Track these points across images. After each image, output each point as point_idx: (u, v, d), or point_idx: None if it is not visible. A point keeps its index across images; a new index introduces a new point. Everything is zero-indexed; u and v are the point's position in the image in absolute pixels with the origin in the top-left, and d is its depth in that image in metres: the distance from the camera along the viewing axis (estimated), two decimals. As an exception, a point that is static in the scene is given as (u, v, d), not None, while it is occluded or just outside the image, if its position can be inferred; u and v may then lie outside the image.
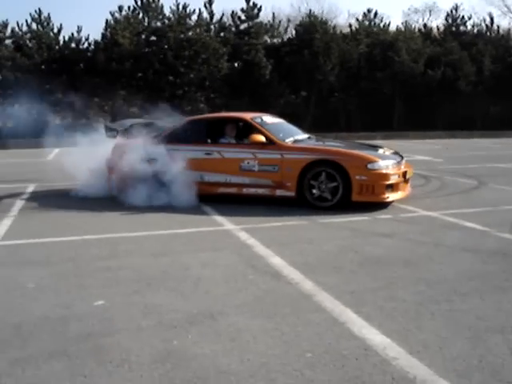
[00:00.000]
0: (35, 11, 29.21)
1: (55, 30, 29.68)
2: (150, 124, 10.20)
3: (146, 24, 30.22)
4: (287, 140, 8.98)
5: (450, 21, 37.22)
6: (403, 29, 35.73)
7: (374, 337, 3.77)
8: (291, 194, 8.56)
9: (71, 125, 11.10)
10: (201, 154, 9.05)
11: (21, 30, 28.80)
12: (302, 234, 6.92)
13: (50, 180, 11.57)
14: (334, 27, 33.46)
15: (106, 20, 29.56)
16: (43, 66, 27.98)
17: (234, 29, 31.88)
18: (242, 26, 31.92)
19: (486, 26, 36.94)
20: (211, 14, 31.62)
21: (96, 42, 29.43)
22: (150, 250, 6.23)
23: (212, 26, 31.49)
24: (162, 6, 30.61)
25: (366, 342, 3.69)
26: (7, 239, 6.80)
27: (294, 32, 33.28)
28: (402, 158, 9.09)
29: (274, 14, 33.63)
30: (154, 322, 4.08)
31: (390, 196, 8.38)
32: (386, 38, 33.14)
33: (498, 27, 37.21)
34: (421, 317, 4.13)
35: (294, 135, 9.46)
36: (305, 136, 9.74)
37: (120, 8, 29.98)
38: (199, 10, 31.09)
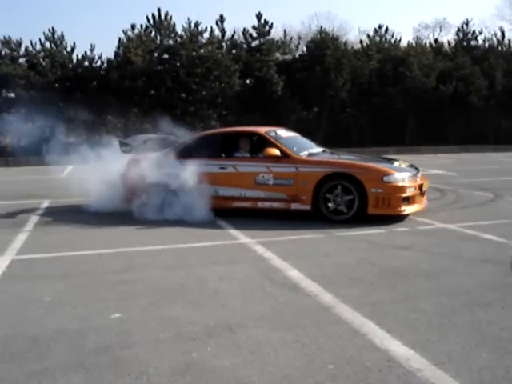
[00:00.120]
0: (49, 30, 29.43)
1: (68, 49, 29.85)
2: (163, 139, 10.19)
3: (158, 42, 30.34)
4: (302, 153, 8.94)
5: (461, 35, 37.14)
6: (414, 44, 35.68)
7: (397, 348, 3.70)
8: (306, 207, 8.50)
9: (84, 142, 11.08)
10: (215, 169, 9.02)
11: (34, 49, 29.01)
12: (318, 247, 6.86)
13: (63, 196, 11.56)
14: (345, 43, 33.48)
15: (119, 38, 29.72)
16: (57, 84, 28.11)
17: (245, 46, 31.95)
18: (254, 43, 31.98)
19: (498, 40, 36.83)
20: (223, 32, 31.73)
21: (109, 60, 29.57)
22: (166, 263, 6.19)
23: (224, 44, 31.57)
24: (174, 24, 30.75)
25: (389, 354, 3.61)
26: (23, 253, 6.78)
27: (305, 49, 33.33)
28: (418, 170, 9.02)
29: (285, 30, 33.71)
30: (171, 335, 4.02)
31: (407, 209, 8.30)
32: (397, 54, 33.10)
33: (510, 41, 37.04)
34: (443, 328, 4.05)
35: (309, 149, 9.42)
36: (319, 149, 9.69)
37: (132, 26, 30.14)
38: (211, 27, 31.21)
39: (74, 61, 29.71)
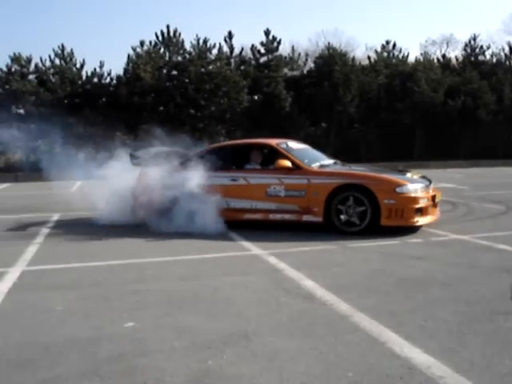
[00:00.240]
0: (58, 47, 29.62)
1: (78, 65, 30.00)
2: (174, 152, 10.15)
3: (167, 58, 30.46)
4: (313, 165, 8.89)
5: (468, 51, 37.16)
6: (422, 59, 35.70)
7: (417, 356, 3.61)
8: (318, 219, 8.42)
9: (94, 158, 11.08)
10: (226, 181, 8.97)
11: (44, 66, 29.17)
12: (332, 258, 6.78)
13: (73, 210, 11.52)
14: (353, 59, 33.52)
15: (128, 55, 29.87)
16: (66, 101, 28.24)
17: (253, 62, 32.04)
18: (262, 60, 32.07)
19: (505, 55, 36.78)
20: (231, 48, 31.85)
21: (118, 77, 29.70)
22: (178, 274, 6.12)
23: (232, 60, 31.67)
24: (183, 41, 30.89)
25: (410, 361, 3.52)
26: (33, 265, 6.73)
27: (312, 65, 33.38)
28: (430, 182, 8.95)
29: (293, 46, 33.80)
30: (186, 343, 3.94)
31: (420, 220, 8.21)
32: (405, 69, 33.12)
33: (517, 56, 37.07)
34: (464, 336, 3.96)
35: (320, 160, 9.37)
36: (331, 161, 9.63)
37: (141, 43, 30.28)
38: (219, 44, 31.33)
39: (84, 77, 29.86)
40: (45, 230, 9.40)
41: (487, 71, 34.73)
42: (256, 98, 31.11)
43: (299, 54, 33.70)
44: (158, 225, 8.77)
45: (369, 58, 35.43)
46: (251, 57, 32.25)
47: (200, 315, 4.58)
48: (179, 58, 30.50)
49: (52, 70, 29.20)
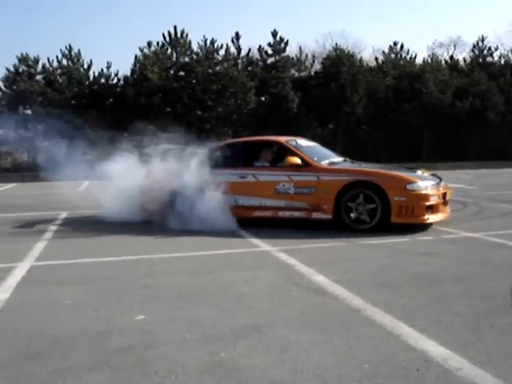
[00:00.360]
0: (66, 47, 29.66)
1: (85, 66, 30.04)
2: (182, 149, 10.10)
3: (174, 59, 30.45)
4: (323, 162, 8.82)
5: (476, 52, 37.02)
6: (430, 60, 35.59)
7: (433, 348, 3.55)
8: (328, 216, 8.36)
9: (101, 158, 11.04)
10: (235, 178, 8.92)
11: (51, 66, 29.22)
12: (342, 254, 6.72)
13: (81, 208, 11.48)
14: (361, 60, 33.45)
15: (135, 56, 29.88)
16: (73, 101, 28.29)
17: (261, 63, 31.99)
18: (269, 60, 32.03)
19: (514, 56, 36.70)
20: (238, 49, 31.82)
21: (125, 77, 29.73)
22: (188, 269, 6.07)
23: (239, 61, 31.64)
24: (190, 42, 30.87)
25: (426, 354, 3.46)
26: (42, 260, 6.70)
27: (320, 66, 33.32)
28: (441, 179, 8.86)
29: (300, 47, 33.71)
30: (198, 336, 3.89)
31: (430, 217, 8.13)
32: (412, 70, 33.01)
33: (526, 57, 36.92)
34: (479, 329, 3.89)
35: (330, 158, 9.31)
36: (340, 159, 9.57)
37: (149, 44, 30.28)
38: (226, 45, 31.29)
39: (91, 78, 29.91)
40: (53, 228, 9.38)
41: (495, 72, 34.60)
42: (263, 98, 31.06)
43: (306, 55, 33.66)
44: (166, 222, 8.72)
45: (376, 59, 35.34)
46: (258, 58, 32.21)
47: (211, 309, 4.53)
48: (186, 59, 30.50)
49: (59, 71, 29.25)
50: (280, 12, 74.54)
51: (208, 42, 30.78)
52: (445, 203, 8.61)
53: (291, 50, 33.35)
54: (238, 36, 31.75)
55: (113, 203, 9.91)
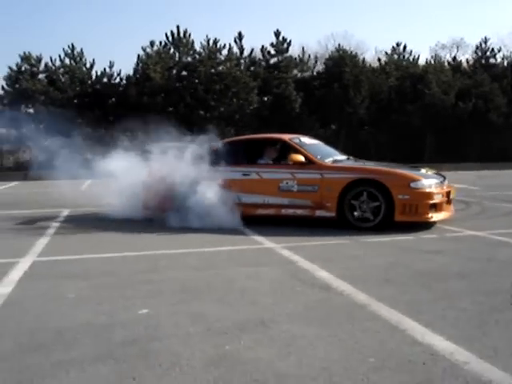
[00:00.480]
0: (68, 46, 29.69)
1: (88, 65, 30.07)
2: (184, 147, 10.07)
3: (177, 59, 30.46)
4: (327, 160, 8.79)
5: (479, 53, 36.99)
6: (433, 62, 35.56)
7: (439, 343, 3.52)
8: (331, 214, 8.33)
9: (103, 157, 11.01)
10: (238, 175, 8.89)
11: (54, 65, 29.24)
12: (346, 251, 6.69)
13: (83, 206, 11.49)
14: (364, 60, 33.43)
15: (138, 55, 29.89)
16: (76, 100, 28.31)
17: (263, 63, 32.00)
18: (272, 61, 32.04)
19: (517, 57, 36.67)
20: (241, 49, 31.81)
21: (128, 77, 29.74)
22: (192, 265, 6.05)
23: (242, 61, 31.64)
24: (193, 42, 30.88)
25: (432, 348, 3.44)
26: (44, 256, 6.68)
27: (322, 67, 33.30)
28: (445, 178, 8.83)
29: (303, 47, 33.68)
30: (202, 329, 3.87)
31: (434, 216, 8.09)
32: (415, 71, 33.01)
33: (529, 59, 36.88)
34: (485, 324, 3.86)
35: (333, 156, 9.27)
36: (343, 157, 9.54)
37: (151, 43, 30.30)
38: (229, 44, 31.31)
39: (93, 77, 29.94)
40: (55, 224, 9.36)
41: (498, 74, 34.59)
42: (266, 99, 31.04)
43: (309, 56, 33.64)
44: (169, 219, 8.69)
45: (379, 60, 35.33)
46: (261, 58, 32.22)
47: (215, 303, 4.50)
48: (189, 59, 30.50)
49: (62, 70, 29.29)
50: (282, 13, 74.61)
51: (211, 42, 30.79)
52: (448, 202, 8.58)
53: (294, 51, 33.38)
54: (240, 36, 31.76)
55: (115, 201, 9.91)
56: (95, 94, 28.66)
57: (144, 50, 30.16)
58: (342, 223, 8.26)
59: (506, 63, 36.57)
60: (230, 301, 4.57)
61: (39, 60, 29.03)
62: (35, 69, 28.87)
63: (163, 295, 4.78)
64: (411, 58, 35.31)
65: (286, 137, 9.34)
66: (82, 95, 28.61)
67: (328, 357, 3.34)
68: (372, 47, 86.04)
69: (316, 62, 34.30)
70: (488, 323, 3.89)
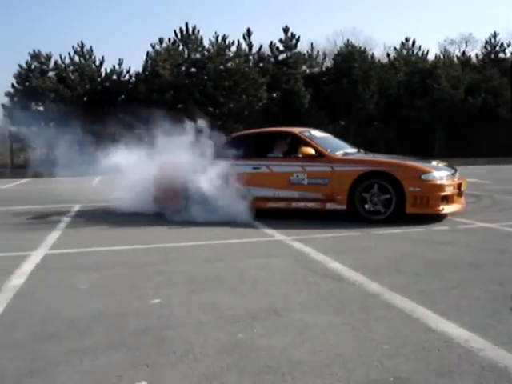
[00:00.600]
0: (78, 44, 29.82)
1: (97, 63, 30.19)
2: (196, 141, 10.06)
3: (186, 56, 30.50)
4: (337, 153, 8.76)
5: (488, 48, 36.82)
6: (442, 57, 35.43)
7: (454, 330, 3.50)
8: (342, 207, 8.30)
9: (112, 153, 11.01)
10: (249, 169, 8.87)
11: (64, 63, 29.35)
12: (357, 243, 6.67)
13: (94, 201, 11.54)
14: (373, 56, 33.34)
15: (147, 52, 29.96)
16: (85, 98, 28.39)
17: (272, 59, 31.99)
18: (281, 57, 32.04)
19: (526, 52, 36.47)
20: (250, 45, 31.82)
21: (137, 74, 29.80)
22: (202, 256, 6.05)
23: (251, 57, 31.65)
24: (202, 38, 30.93)
25: (446, 335, 3.41)
26: (56, 249, 6.70)
27: (331, 63, 33.24)
28: (456, 170, 8.79)
29: (312, 43, 33.66)
30: (214, 318, 3.86)
31: (445, 208, 8.05)
32: (424, 66, 32.91)
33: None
34: (499, 312, 3.83)
35: (343, 149, 9.24)
36: (354, 150, 9.50)
37: (160, 40, 30.36)
38: (238, 41, 31.33)
39: (103, 74, 30.01)
40: (66, 219, 9.39)
41: (508, 68, 34.35)
42: (275, 95, 31.02)
43: (318, 52, 33.58)
44: (179, 213, 8.70)
45: (388, 55, 35.23)
46: (270, 54, 32.22)
47: (226, 293, 4.49)
48: (198, 55, 30.54)
49: (71, 67, 29.40)
50: (291, 10, 74.40)
51: (219, 39, 30.83)
52: (460, 194, 8.53)
53: (302, 47, 33.34)
54: (249, 32, 31.78)
55: (126, 195, 9.93)
56: (105, 91, 28.74)
57: (153, 47, 30.24)
58: (352, 216, 8.23)
59: (515, 58, 36.38)
60: (241, 291, 4.56)
61: (49, 58, 29.14)
62: (45, 67, 28.99)
63: (175, 286, 4.78)
64: (420, 54, 35.20)
65: (296, 130, 9.31)
66: (91, 93, 28.70)
67: (342, 344, 3.33)
68: (380, 43, 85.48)
69: (325, 58, 34.26)
70: (502, 311, 3.86)
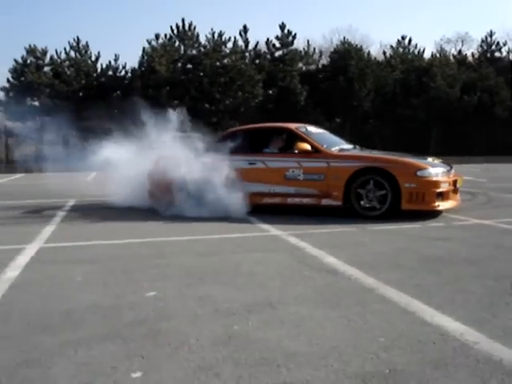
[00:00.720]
0: (73, 39, 29.74)
1: (93, 58, 30.12)
2: (190, 137, 10.05)
3: (182, 52, 30.45)
4: (333, 149, 8.76)
5: (484, 47, 36.88)
6: (438, 55, 35.47)
7: (449, 324, 3.50)
8: (338, 203, 8.30)
9: (108, 149, 10.98)
10: (244, 164, 8.85)
11: (59, 58, 29.28)
12: (353, 238, 6.67)
13: (89, 196, 11.53)
14: (369, 53, 33.35)
15: (143, 48, 29.90)
16: (81, 93, 28.32)
17: (268, 56, 31.97)
18: (277, 54, 32.03)
19: (522, 51, 36.52)
20: (246, 42, 31.80)
21: (133, 70, 29.74)
22: (198, 250, 6.03)
23: (247, 54, 31.63)
24: (198, 34, 30.89)
25: (442, 329, 3.42)
26: (51, 242, 6.68)
27: (327, 61, 33.23)
28: (451, 167, 8.80)
29: (308, 41, 33.64)
30: (210, 310, 3.85)
31: (441, 205, 8.06)
32: (420, 64, 32.95)
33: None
34: (495, 307, 3.84)
35: (339, 144, 9.25)
36: (350, 146, 9.50)
37: (157, 36, 30.31)
38: (234, 37, 31.31)
39: (99, 70, 29.94)
40: (61, 213, 9.37)
41: (503, 67, 34.49)
42: (271, 92, 31.00)
43: (314, 49, 33.56)
44: (174, 209, 8.68)
45: (384, 53, 35.26)
46: (266, 51, 32.18)
47: (222, 286, 4.49)
48: (194, 52, 30.50)
49: (67, 63, 29.34)
50: (287, 6, 74.49)
51: (216, 35, 30.80)
52: (455, 191, 8.55)
53: (298, 44, 33.33)
54: (245, 29, 31.76)
55: (121, 190, 9.91)
56: (100, 86, 28.66)
57: (149, 42, 30.19)
58: (348, 212, 8.23)
59: (511, 57, 36.43)
60: (237, 284, 4.56)
61: (45, 53, 29.07)
62: (40, 61, 28.93)
63: (170, 279, 4.77)
64: (416, 52, 35.22)
65: (292, 126, 9.30)
66: (87, 88, 28.62)
67: (337, 337, 3.33)
68: (376, 42, 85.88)
69: (321, 56, 34.23)
70: (498, 306, 3.87)
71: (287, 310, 3.83)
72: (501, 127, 32.03)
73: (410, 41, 35.06)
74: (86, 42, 29.95)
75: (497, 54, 36.71)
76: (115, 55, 30.07)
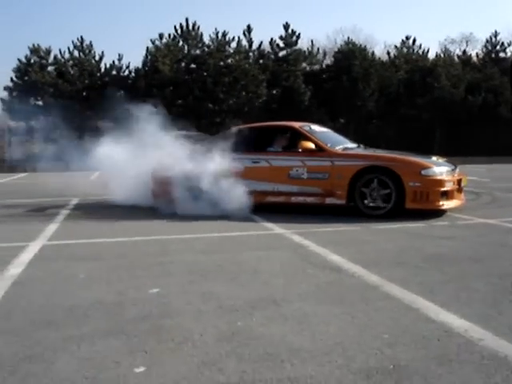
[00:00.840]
0: (77, 39, 29.76)
1: (97, 58, 30.13)
2: (194, 135, 10.06)
3: (185, 51, 30.45)
4: (337, 147, 8.73)
5: (489, 47, 36.80)
6: (442, 55, 35.42)
7: (454, 321, 3.48)
8: (341, 202, 8.28)
9: (111, 148, 10.97)
10: (248, 163, 8.84)
11: (63, 57, 29.31)
12: (357, 237, 6.66)
13: (92, 194, 11.53)
14: (373, 53, 33.31)
15: (147, 48, 29.91)
16: (84, 93, 28.33)
17: (272, 56, 31.96)
18: (281, 54, 32.00)
19: (527, 52, 36.45)
20: (250, 42, 31.77)
21: (137, 69, 29.75)
22: (202, 248, 6.03)
23: (251, 53, 31.61)
24: (202, 34, 30.89)
25: (446, 325, 3.40)
26: (54, 240, 6.68)
27: (331, 61, 33.21)
28: (456, 166, 8.77)
29: (312, 41, 33.60)
30: (213, 307, 3.84)
31: (445, 204, 8.03)
32: (425, 64, 32.89)
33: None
34: (499, 304, 3.82)
35: (343, 143, 9.22)
36: (354, 145, 9.48)
37: (160, 36, 30.31)
38: (238, 37, 31.28)
39: (102, 69, 29.95)
40: (64, 212, 9.37)
41: (508, 68, 34.38)
42: (274, 91, 30.97)
43: (318, 49, 33.53)
44: (177, 207, 8.66)
45: (388, 53, 35.20)
46: (270, 51, 32.17)
47: (225, 283, 4.47)
48: (198, 51, 30.49)
49: (71, 62, 29.35)
50: (291, 6, 74.32)
51: (219, 35, 30.79)
52: (459, 190, 8.52)
53: (302, 44, 33.28)
54: (249, 29, 31.72)
55: (124, 189, 9.90)
56: (104, 86, 28.66)
57: (153, 42, 30.20)
58: (352, 211, 8.21)
59: (516, 57, 36.38)
60: (241, 281, 4.55)
61: (48, 52, 29.10)
62: (44, 61, 28.95)
63: (174, 276, 4.76)
64: (420, 52, 35.16)
65: (296, 124, 9.29)
66: (90, 88, 28.62)
67: (341, 333, 3.31)
68: (380, 42, 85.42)
69: (325, 56, 34.20)
70: (502, 303, 3.85)
71: (291, 307, 3.82)
72: (505, 127, 31.92)
73: (414, 41, 35.03)
74: (90, 42, 30.05)
75: (501, 55, 36.63)
76: (119, 55, 30.14)
